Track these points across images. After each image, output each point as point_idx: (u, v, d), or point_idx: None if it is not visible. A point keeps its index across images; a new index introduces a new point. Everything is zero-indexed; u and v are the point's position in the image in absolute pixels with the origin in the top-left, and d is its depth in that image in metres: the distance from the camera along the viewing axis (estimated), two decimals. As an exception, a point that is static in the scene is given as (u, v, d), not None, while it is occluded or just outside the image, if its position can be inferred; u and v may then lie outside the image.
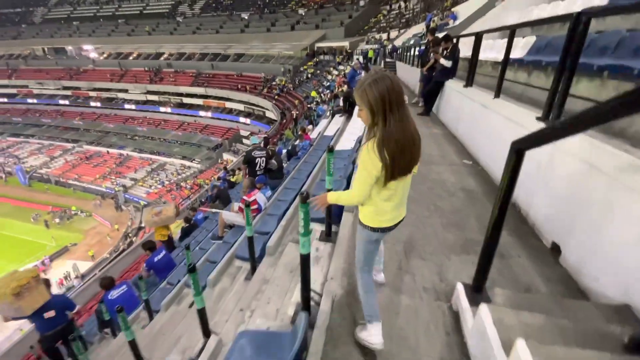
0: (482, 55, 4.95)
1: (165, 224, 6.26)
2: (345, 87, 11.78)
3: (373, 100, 1.24)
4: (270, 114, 28.70)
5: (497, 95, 3.60)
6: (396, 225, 1.50)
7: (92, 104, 40.02)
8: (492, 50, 5.49)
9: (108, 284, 4.38)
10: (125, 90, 38.97)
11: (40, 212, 25.49)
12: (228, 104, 34.10)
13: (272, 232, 3.28)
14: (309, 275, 1.68)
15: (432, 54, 6.10)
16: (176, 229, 8.58)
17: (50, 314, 3.54)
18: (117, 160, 33.20)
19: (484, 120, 3.71)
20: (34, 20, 51.66)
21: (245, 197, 4.43)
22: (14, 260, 19.63)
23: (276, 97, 28.73)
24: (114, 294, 4.32)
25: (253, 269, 2.98)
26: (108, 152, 34.43)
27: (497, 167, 3.25)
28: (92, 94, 40.14)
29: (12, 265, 19.22)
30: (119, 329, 4.34)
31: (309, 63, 31.39)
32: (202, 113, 35.57)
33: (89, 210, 26.54)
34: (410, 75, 10.02)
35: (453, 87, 5.24)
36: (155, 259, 4.88)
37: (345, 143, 5.45)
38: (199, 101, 35.83)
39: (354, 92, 1.33)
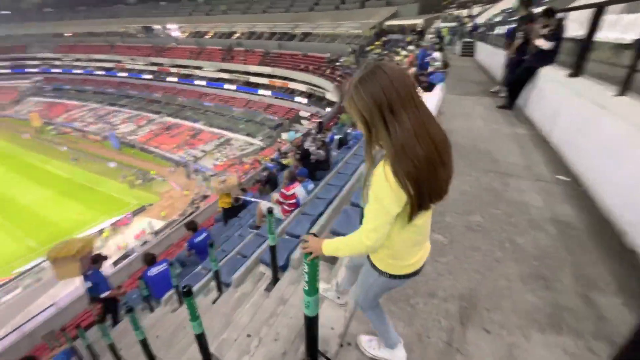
0: (602, 35, 3.72)
1: (228, 192, 6.90)
2: (413, 70, 10.66)
3: (363, 107, 0.89)
4: (330, 96, 28.17)
5: (622, 93, 2.57)
6: (422, 267, 1.17)
7: (169, 79, 43.95)
8: (615, 29, 4.13)
9: (150, 260, 4.52)
10: (200, 68, 41.75)
11: (127, 174, 29.21)
12: (291, 85, 34.39)
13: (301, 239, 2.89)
14: (316, 345, 1.22)
15: (522, 33, 4.89)
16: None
17: (88, 284, 3.76)
18: (190, 132, 36.19)
19: (596, 125, 2.71)
20: (129, 1, 57.76)
21: (283, 190, 4.10)
22: (105, 213, 22.99)
23: (338, 78, 27.93)
24: (154, 271, 4.45)
25: (275, 280, 2.65)
26: (183, 124, 37.69)
27: (612, 193, 2.32)
28: (172, 70, 43.91)
29: (104, 216, 22.58)
30: (157, 305, 4.49)
31: (376, 43, 29.65)
32: (261, 92, 36.61)
33: (165, 175, 29.59)
34: (492, 59, 8.56)
35: (551, 76, 4.10)
36: (196, 240, 4.92)
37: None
38: (265, 80, 36.76)
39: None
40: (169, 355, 2.83)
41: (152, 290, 4.46)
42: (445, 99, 6.28)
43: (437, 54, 9.49)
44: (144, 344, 2.44)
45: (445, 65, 8.71)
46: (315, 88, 31.14)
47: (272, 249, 2.49)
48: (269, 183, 8.71)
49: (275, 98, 35.53)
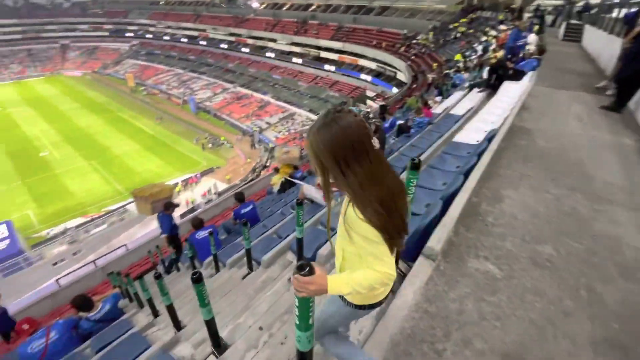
0: None
1: (290, 163, 7.10)
2: (499, 54, 9.30)
3: (320, 154, 0.97)
4: (401, 76, 26.54)
5: None
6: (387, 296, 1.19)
7: (244, 49, 45.77)
8: None
9: (198, 224, 4.81)
10: (274, 40, 42.57)
11: (200, 137, 31.95)
12: (361, 62, 33.21)
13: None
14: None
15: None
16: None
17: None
18: (259, 103, 37.78)
19: None
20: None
21: None
22: (178, 169, 25.64)
23: (412, 57, 26.03)
24: (201, 234, 4.74)
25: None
26: (252, 95, 39.43)
27: None
28: (249, 41, 45.58)
29: (178, 173, 25.22)
30: (200, 265, 4.82)
31: (462, 20, 26.62)
32: (327, 67, 36.08)
33: (232, 142, 31.67)
34: (603, 47, 6.99)
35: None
36: (242, 211, 5.07)
37: (472, 134, 4.11)
38: (334, 56, 36.10)
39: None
40: (192, 320, 2.98)
41: (197, 253, 4.79)
42: (533, 91, 5.31)
43: (532, 37, 8.04)
44: (170, 308, 2.58)
45: (541, 51, 7.35)
46: (385, 66, 29.63)
47: (299, 242, 2.36)
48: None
49: (342, 75, 34.87)
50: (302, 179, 7.95)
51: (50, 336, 3.39)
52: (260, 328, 2.01)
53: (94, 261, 9.75)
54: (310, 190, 4.28)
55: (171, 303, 2.58)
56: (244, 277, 3.29)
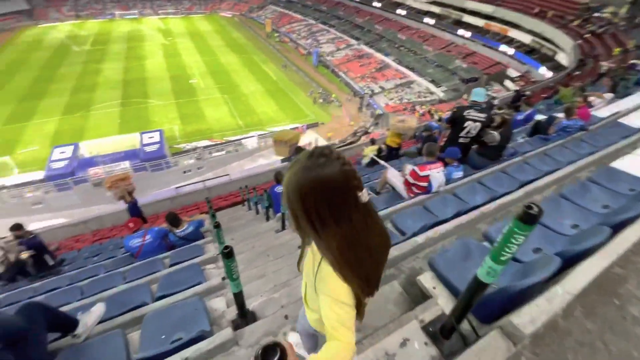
0: None
1: (403, 132, 6.98)
2: None
3: (297, 205, 0.82)
4: (563, 58, 21.04)
5: None
6: None
7: (375, 3, 43.05)
8: None
9: (280, 179, 4.95)
10: (414, -3, 38.73)
11: (314, 90, 33.00)
12: (511, 32, 27.48)
13: (396, 241, 2.27)
14: None
15: None
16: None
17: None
18: (378, 65, 36.16)
19: None
20: None
21: (416, 169, 3.35)
22: (289, 117, 27.47)
23: (587, 35, 20.09)
24: (279, 189, 4.89)
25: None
26: (373, 55, 37.78)
27: None
28: (387, -5, 42.60)
29: (288, 120, 27.07)
30: (274, 216, 5.05)
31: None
32: (461, 32, 31.12)
33: (342, 101, 31.78)
34: None
35: None
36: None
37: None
38: (480, 22, 30.81)
39: None
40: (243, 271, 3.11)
41: (274, 204, 5.01)
42: None
43: None
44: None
45: None
46: (543, 42, 23.85)
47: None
48: (423, 145, 7.77)
49: (482, 45, 29.72)
50: (400, 156, 7.34)
51: (146, 238, 4.11)
52: (286, 317, 1.88)
53: (203, 181, 11.54)
54: (395, 176, 3.80)
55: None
56: (299, 247, 3.24)
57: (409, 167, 3.78)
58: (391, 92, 31.54)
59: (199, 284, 2.65)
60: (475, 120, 3.90)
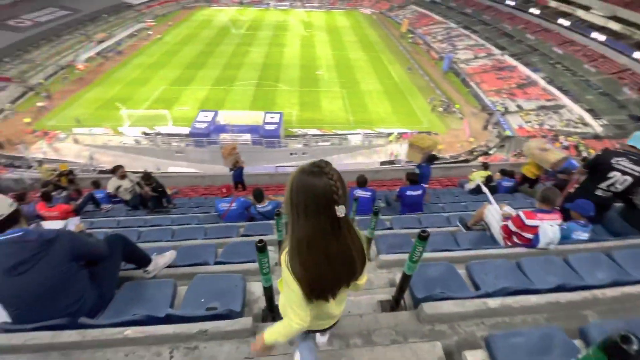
0: None
1: (540, 163, 5.87)
2: None
3: (288, 194, 1.01)
4: None
5: None
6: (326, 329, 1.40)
7: (532, 10, 36.66)
8: None
9: (363, 182, 4.78)
10: (586, 8, 31.47)
11: (436, 97, 30.87)
12: None
13: (462, 295, 1.83)
14: None
15: None
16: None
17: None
18: (520, 80, 31.27)
19: None
20: None
21: (521, 215, 2.66)
22: (400, 121, 26.55)
23: None
24: (360, 192, 4.73)
25: (395, 302, 1.97)
26: (518, 68, 32.78)
27: None
28: (551, 3, 36.03)
29: (399, 124, 26.21)
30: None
31: None
32: (637, 54, 23.60)
33: (465, 114, 28.84)
34: None
35: None
36: (408, 192, 4.59)
37: None
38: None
39: None
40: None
41: (357, 207, 4.90)
42: None
43: None
44: (280, 243, 2.74)
45: None
46: None
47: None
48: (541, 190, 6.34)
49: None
50: (501, 191, 6.16)
51: (232, 205, 4.57)
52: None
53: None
54: (494, 215, 3.14)
55: (282, 240, 2.73)
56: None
57: (510, 210, 3.08)
58: (530, 114, 26.93)
59: (252, 261, 2.76)
60: (625, 173, 2.88)
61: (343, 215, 0.97)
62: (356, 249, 1.06)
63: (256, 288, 2.22)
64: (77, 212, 5.65)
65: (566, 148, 21.08)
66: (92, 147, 21.47)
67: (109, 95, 28.80)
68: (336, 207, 0.95)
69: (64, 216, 5.30)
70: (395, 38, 47.77)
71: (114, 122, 24.37)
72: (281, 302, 1.19)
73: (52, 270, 1.70)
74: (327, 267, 1.02)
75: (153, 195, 5.67)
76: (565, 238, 2.73)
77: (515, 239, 2.76)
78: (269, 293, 1.81)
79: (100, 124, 24.36)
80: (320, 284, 1.04)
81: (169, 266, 2.63)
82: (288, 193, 1.00)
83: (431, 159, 5.96)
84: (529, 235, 2.63)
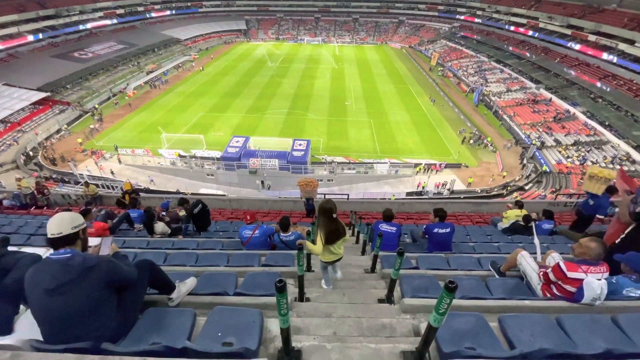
0: None
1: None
2: None
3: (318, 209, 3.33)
4: None
5: None
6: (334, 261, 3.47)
7: (573, 45, 35.82)
8: None
9: (388, 215, 4.67)
10: (631, 42, 30.32)
11: (466, 130, 30.30)
12: None
13: (495, 355, 1.66)
14: None
15: None
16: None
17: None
18: (558, 114, 30.09)
19: None
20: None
21: (562, 264, 2.43)
22: (429, 152, 26.15)
23: None
24: (385, 227, 4.60)
25: (420, 357, 1.83)
26: (554, 102, 31.68)
27: None
28: (590, 37, 35.15)
29: (427, 154, 25.81)
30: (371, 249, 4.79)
31: None
32: None
33: (498, 147, 27.93)
34: None
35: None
36: (435, 230, 4.40)
37: None
38: None
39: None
40: (319, 298, 3.00)
41: (381, 242, 4.76)
42: None
43: None
44: (300, 279, 2.69)
45: None
46: None
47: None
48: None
49: None
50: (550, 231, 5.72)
51: (255, 232, 4.62)
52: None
53: (324, 194, 12.27)
54: (531, 262, 2.91)
55: (302, 275, 2.69)
56: (380, 300, 2.89)
57: (554, 257, 2.84)
58: (570, 149, 25.56)
59: (271, 295, 2.72)
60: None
61: (335, 216, 3.23)
62: (341, 227, 3.30)
63: (273, 326, 2.16)
64: (112, 230, 5.96)
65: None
66: (132, 166, 22.95)
67: (152, 120, 31.12)
68: (333, 214, 3.20)
69: (100, 233, 5.59)
70: (425, 71, 48.37)
71: (155, 145, 26.08)
72: (316, 242, 3.30)
73: (87, 296, 1.78)
74: (330, 231, 3.23)
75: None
76: (613, 294, 2.46)
77: (554, 290, 2.52)
78: (286, 334, 1.75)
79: (142, 145, 26.17)
80: (327, 239, 3.22)
81: (190, 293, 2.65)
82: (319, 209, 3.29)
83: (611, 190, 5.63)
84: (571, 289, 2.38)
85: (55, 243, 1.91)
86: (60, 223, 1.92)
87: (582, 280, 2.35)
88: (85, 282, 1.79)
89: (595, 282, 2.31)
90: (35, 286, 1.79)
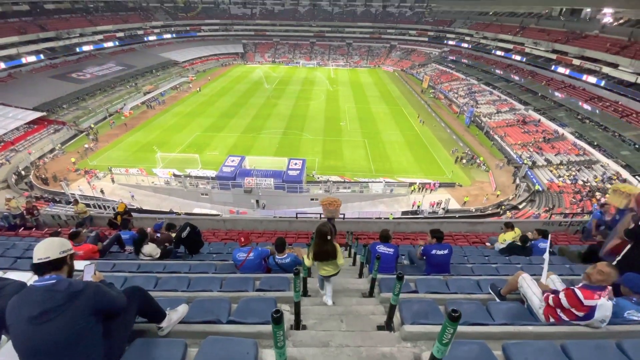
0: None
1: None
2: None
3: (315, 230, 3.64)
4: None
5: None
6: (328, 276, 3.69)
7: (559, 69, 37.42)
8: None
9: (385, 237, 4.61)
10: (614, 65, 31.69)
11: (459, 150, 30.78)
12: None
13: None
14: None
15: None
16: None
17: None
18: (547, 134, 30.83)
19: None
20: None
21: (578, 292, 2.36)
22: (423, 171, 26.37)
23: None
24: (383, 248, 4.54)
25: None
26: (543, 123, 32.54)
27: None
28: (574, 61, 36.68)
29: (421, 174, 26.04)
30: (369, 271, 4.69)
31: None
32: None
33: (490, 167, 28.31)
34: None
35: None
36: (433, 251, 4.35)
37: None
38: None
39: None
40: (317, 325, 2.88)
41: (379, 265, 4.67)
42: None
43: None
44: (297, 305, 2.60)
45: None
46: None
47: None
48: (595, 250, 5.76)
49: None
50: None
51: (249, 255, 4.51)
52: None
53: (320, 213, 12.18)
54: (532, 285, 2.86)
55: (299, 301, 2.60)
56: (379, 327, 2.79)
57: (553, 280, 2.80)
58: (560, 169, 26.00)
59: (266, 323, 2.62)
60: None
61: (329, 238, 3.57)
62: (331, 249, 3.57)
63: (269, 357, 2.06)
64: (102, 252, 5.78)
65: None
66: (126, 186, 22.69)
67: (148, 139, 31.13)
68: (328, 236, 3.56)
69: (88, 256, 5.42)
70: (416, 93, 49.70)
71: (150, 164, 25.95)
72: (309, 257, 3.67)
73: (71, 324, 1.68)
74: (319, 250, 3.56)
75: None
76: (614, 316, 2.40)
77: (560, 314, 2.45)
78: (282, 368, 1.66)
79: (137, 165, 26.02)
80: (318, 257, 3.59)
81: (182, 321, 2.53)
82: (316, 231, 3.62)
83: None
84: (581, 314, 2.33)
85: (41, 268, 1.84)
86: (49, 247, 1.86)
87: (595, 307, 2.29)
88: (71, 309, 1.70)
89: (607, 303, 2.27)
90: (17, 315, 1.69)
